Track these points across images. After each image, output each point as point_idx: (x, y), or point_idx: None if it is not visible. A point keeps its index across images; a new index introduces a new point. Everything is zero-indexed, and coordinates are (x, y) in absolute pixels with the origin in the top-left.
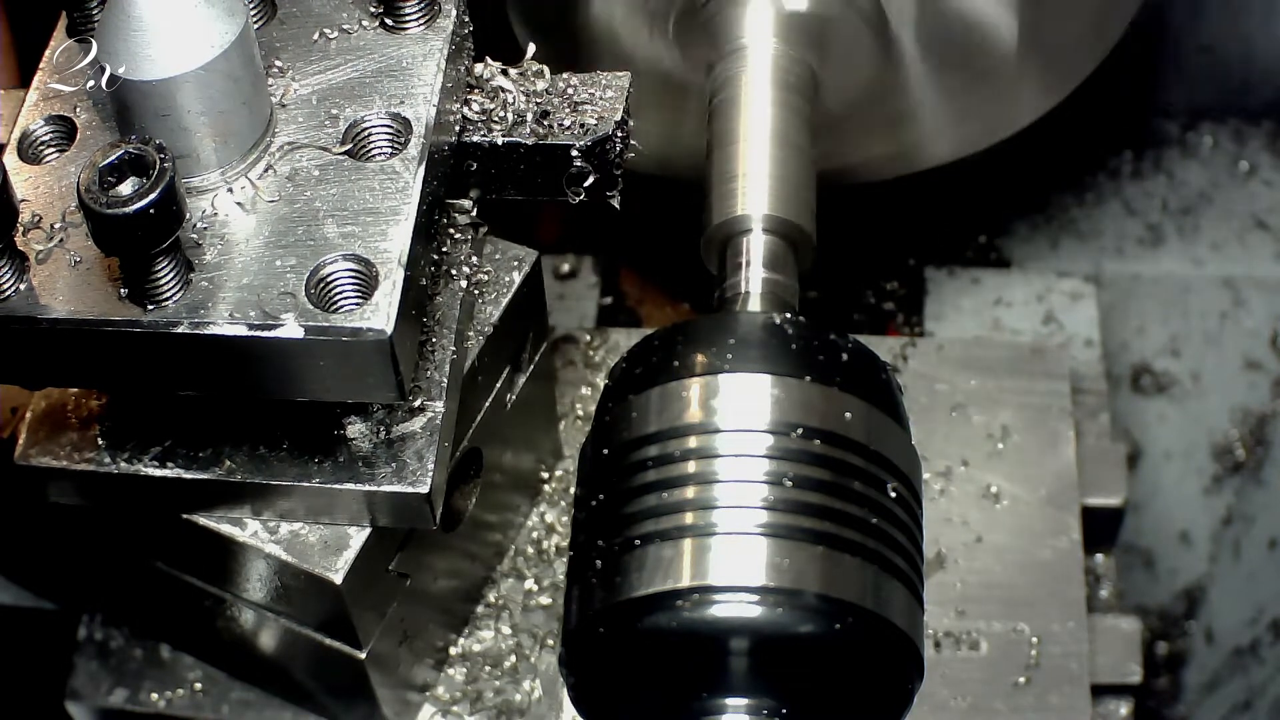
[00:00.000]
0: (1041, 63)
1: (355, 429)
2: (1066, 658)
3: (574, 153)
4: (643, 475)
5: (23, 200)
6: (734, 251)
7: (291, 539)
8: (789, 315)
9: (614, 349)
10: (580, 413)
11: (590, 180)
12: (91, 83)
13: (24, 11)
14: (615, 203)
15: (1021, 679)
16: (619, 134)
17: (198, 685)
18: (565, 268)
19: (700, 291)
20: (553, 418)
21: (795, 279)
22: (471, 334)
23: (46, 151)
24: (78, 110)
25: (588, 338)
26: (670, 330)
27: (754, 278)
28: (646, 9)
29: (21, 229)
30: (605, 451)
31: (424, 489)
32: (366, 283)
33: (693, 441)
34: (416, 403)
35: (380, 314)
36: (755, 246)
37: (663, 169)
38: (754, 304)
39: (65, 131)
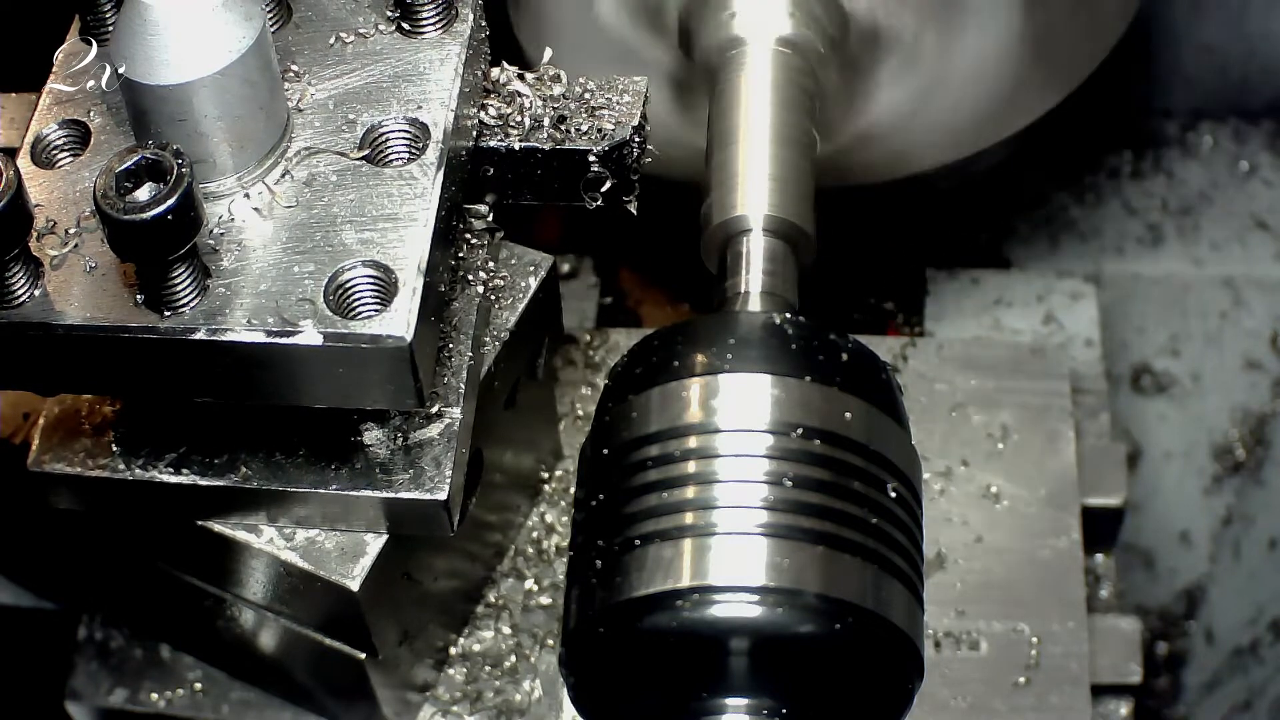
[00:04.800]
0: (1041, 63)
1: (372, 435)
2: (1066, 658)
3: (591, 158)
4: (643, 475)
5: (37, 205)
6: (734, 251)
7: (308, 546)
8: (789, 315)
9: (614, 349)
10: (580, 413)
11: (607, 185)
12: (105, 86)
13: (37, 14)
14: (632, 208)
15: (1021, 679)
16: (636, 138)
17: (198, 685)
18: (565, 268)
19: (700, 291)
20: (553, 418)
21: (795, 279)
22: (488, 339)
23: (60, 156)
24: (91, 114)
25: (588, 338)
26: (670, 330)
27: (754, 278)
28: (647, 9)
29: (36, 234)
30: (605, 451)
31: (442, 495)
32: (385, 289)
33: (693, 441)
34: (434, 409)
35: (400, 321)
36: (755, 246)
37: (663, 169)
38: (754, 304)
39: (79, 136)
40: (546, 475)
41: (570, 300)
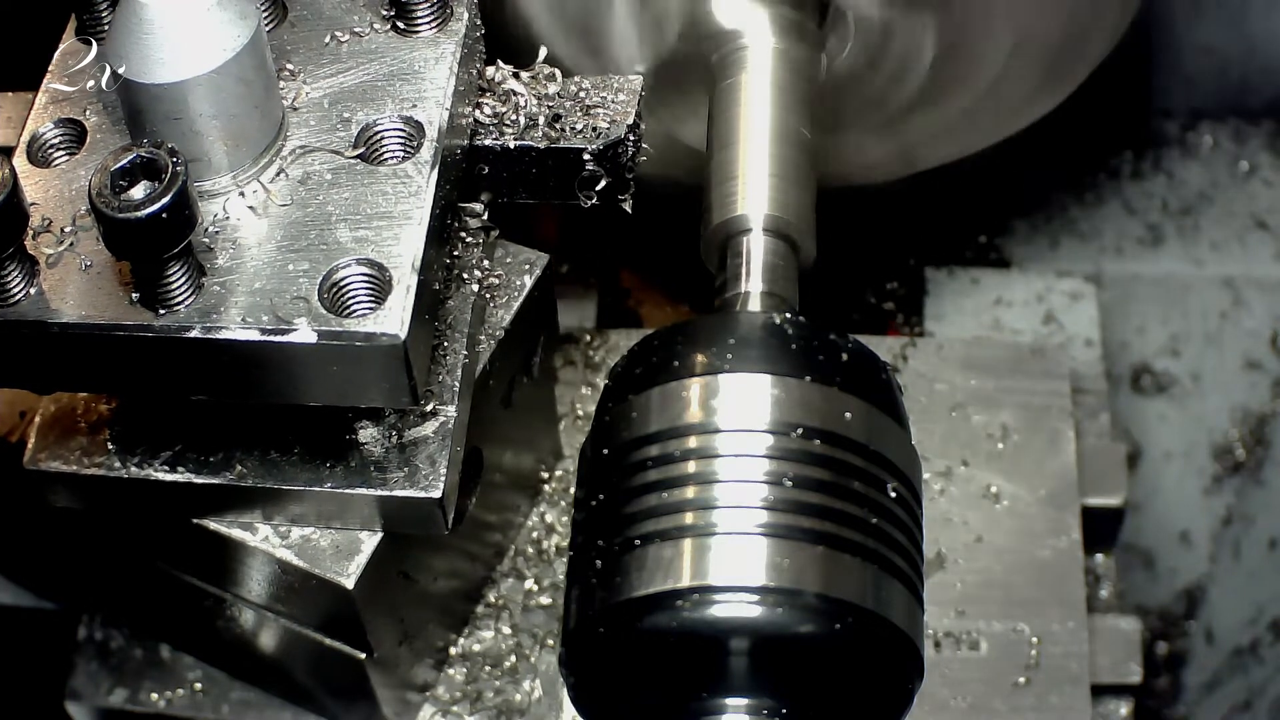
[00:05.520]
0: (1041, 63)
1: (367, 433)
2: (1066, 658)
3: (586, 156)
4: (642, 475)
5: (32, 204)
6: (734, 251)
7: (303, 544)
8: (789, 315)
9: (614, 349)
10: (580, 413)
11: (602, 184)
12: (101, 85)
13: (34, 13)
14: (627, 206)
15: (1021, 679)
16: (631, 137)
17: (198, 685)
18: (565, 268)
19: (700, 291)
20: (553, 418)
21: (795, 279)
22: (483, 338)
23: (56, 155)
24: (87, 113)
25: (588, 338)
26: (670, 330)
27: (754, 277)
28: (646, 9)
29: (31, 233)
30: (605, 451)
31: (436, 493)
32: (380, 287)
33: (693, 441)
34: (428, 407)
35: (394, 319)
36: (755, 246)
37: (663, 169)
38: (754, 304)
39: (75, 135)
40: (546, 475)
41: (570, 300)
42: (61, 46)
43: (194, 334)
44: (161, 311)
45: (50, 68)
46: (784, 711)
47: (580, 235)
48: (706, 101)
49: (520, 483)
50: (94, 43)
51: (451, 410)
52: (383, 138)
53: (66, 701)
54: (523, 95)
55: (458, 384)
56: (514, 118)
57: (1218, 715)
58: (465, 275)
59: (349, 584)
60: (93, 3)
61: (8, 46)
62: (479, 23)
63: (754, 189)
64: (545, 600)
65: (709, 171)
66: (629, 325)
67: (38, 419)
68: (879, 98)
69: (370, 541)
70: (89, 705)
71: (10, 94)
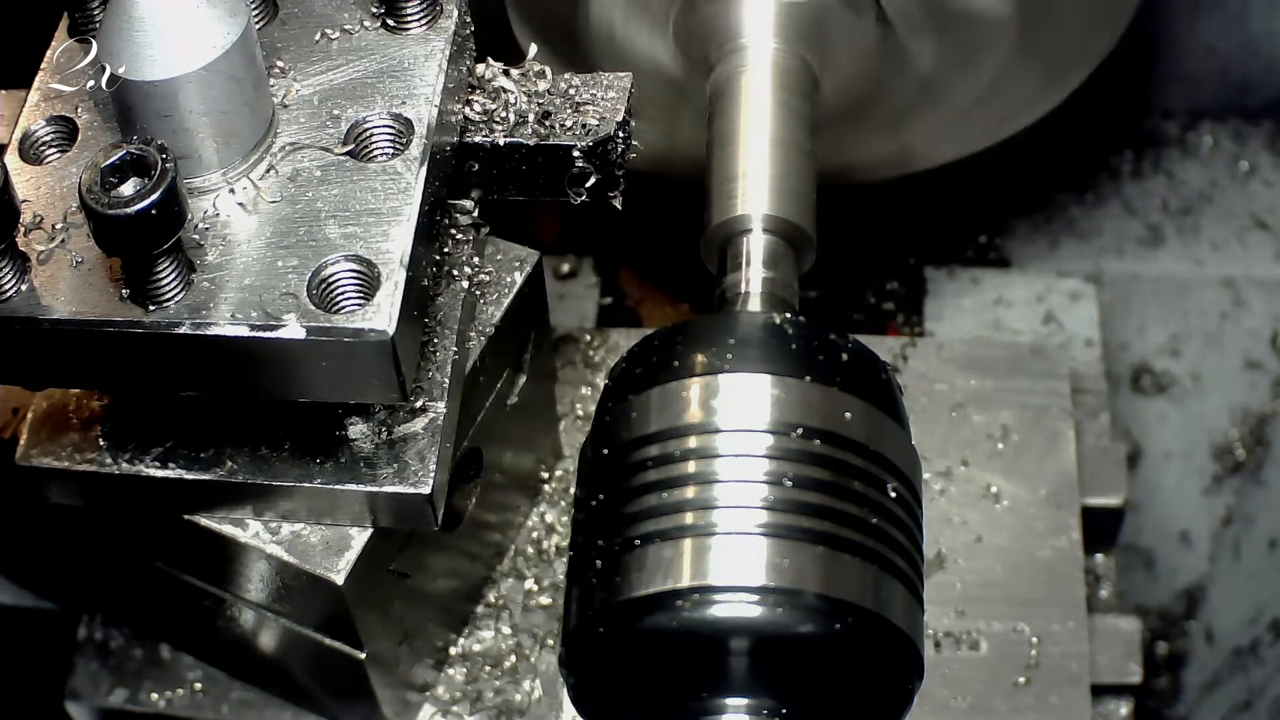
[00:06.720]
0: (1041, 63)
1: (357, 429)
2: (1066, 658)
3: (576, 153)
4: (642, 475)
5: (24, 201)
6: (734, 251)
7: (293, 540)
8: (789, 315)
9: (614, 349)
10: (580, 413)
11: (592, 181)
12: (93, 83)
13: (27, 12)
14: (617, 203)
15: (1021, 679)
16: (621, 134)
17: (198, 685)
18: (565, 268)
19: (700, 291)
20: (553, 418)
21: (795, 279)
22: (473, 334)
23: (48, 152)
24: (79, 110)
25: (588, 338)
26: (670, 330)
27: (754, 278)
28: (646, 9)
29: (23, 229)
30: (605, 451)
31: (425, 490)
32: (368, 283)
33: (693, 441)
34: (418, 403)
35: (382, 315)
36: (755, 246)
37: (662, 169)
38: (754, 304)
39: (67, 132)
40: (546, 475)
41: (570, 300)
42: (54, 44)
43: (183, 330)
44: (151, 308)
45: (43, 66)
46: (784, 711)
47: (580, 232)
48: (706, 102)
49: (520, 483)
50: (92, 41)
51: (441, 407)
52: (372, 134)
53: (66, 701)
54: (513, 92)
55: (448, 381)
56: (504, 115)
57: (1218, 715)
58: (455, 272)
59: (339, 580)
60: (85, 1)
61: (1, 44)
62: (469, 20)
63: (754, 189)
64: (545, 600)
65: (709, 171)
66: (629, 325)
67: (30, 415)
68: (879, 97)
69: (360, 538)
70: (89, 705)
71: (3, 91)
